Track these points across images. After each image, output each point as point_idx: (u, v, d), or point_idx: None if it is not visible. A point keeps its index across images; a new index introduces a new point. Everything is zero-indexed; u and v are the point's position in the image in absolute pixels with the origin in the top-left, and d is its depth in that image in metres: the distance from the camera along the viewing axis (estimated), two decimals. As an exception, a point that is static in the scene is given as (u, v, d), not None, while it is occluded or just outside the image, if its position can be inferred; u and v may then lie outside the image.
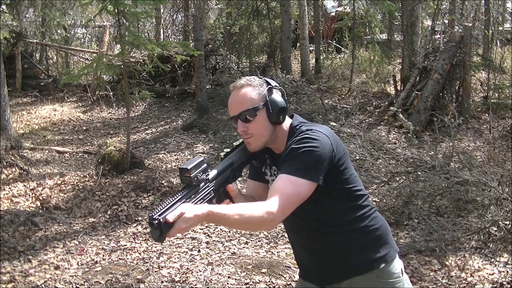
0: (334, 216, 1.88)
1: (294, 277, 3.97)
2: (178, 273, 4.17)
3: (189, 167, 1.67)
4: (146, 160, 7.14)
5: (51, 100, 11.14)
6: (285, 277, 4.00)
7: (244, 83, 1.90)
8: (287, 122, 1.92)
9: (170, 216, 1.52)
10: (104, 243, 4.79)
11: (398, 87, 8.88)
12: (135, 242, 4.79)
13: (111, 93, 10.40)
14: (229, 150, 1.95)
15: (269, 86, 1.89)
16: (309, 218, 1.90)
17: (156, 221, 1.48)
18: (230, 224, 1.68)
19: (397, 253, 1.94)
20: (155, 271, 4.20)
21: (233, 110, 1.88)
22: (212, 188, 1.79)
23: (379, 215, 1.98)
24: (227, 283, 3.97)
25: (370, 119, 8.32)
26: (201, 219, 1.57)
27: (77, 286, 3.99)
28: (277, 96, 1.89)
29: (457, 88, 8.05)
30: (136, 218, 5.29)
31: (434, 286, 3.76)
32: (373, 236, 1.90)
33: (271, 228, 1.85)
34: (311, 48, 11.78)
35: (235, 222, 1.64)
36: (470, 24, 8.49)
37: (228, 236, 4.83)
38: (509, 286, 3.66)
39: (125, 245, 4.73)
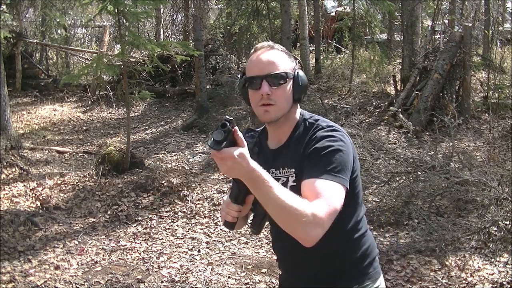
0: (337, 224, 1.61)
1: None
2: (178, 273, 4.17)
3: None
4: (146, 160, 7.14)
5: (51, 100, 11.14)
6: (285, 277, 4.00)
7: (275, 46, 1.72)
8: (298, 109, 1.75)
9: (239, 137, 1.39)
10: (104, 243, 4.79)
11: (398, 87, 8.88)
12: (135, 242, 4.79)
13: (111, 93, 10.40)
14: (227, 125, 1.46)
15: (296, 59, 1.78)
16: None
17: (230, 124, 1.34)
18: (266, 199, 1.42)
19: (381, 275, 1.81)
20: (155, 271, 4.20)
21: (261, 69, 1.65)
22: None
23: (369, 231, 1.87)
24: (227, 283, 3.97)
25: (370, 119, 8.32)
26: (248, 170, 1.40)
27: (77, 286, 3.99)
28: (302, 72, 1.73)
29: (457, 88, 8.05)
30: (136, 218, 5.29)
31: (434, 286, 3.76)
32: (366, 250, 1.77)
33: (312, 237, 1.44)
34: (311, 48, 11.79)
35: (274, 200, 1.40)
36: (470, 24, 8.49)
37: (228, 236, 4.83)
38: (509, 286, 3.66)
39: (125, 245, 4.73)
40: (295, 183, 1.65)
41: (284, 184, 1.66)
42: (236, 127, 1.39)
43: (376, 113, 8.48)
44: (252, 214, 1.74)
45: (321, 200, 1.46)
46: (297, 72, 1.70)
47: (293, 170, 1.67)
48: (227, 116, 1.36)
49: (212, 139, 1.34)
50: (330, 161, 1.55)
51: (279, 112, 1.67)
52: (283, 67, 1.67)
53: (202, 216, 5.33)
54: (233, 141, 1.40)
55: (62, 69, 13.21)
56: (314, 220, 1.41)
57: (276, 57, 1.68)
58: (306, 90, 1.74)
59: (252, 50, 1.74)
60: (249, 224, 1.78)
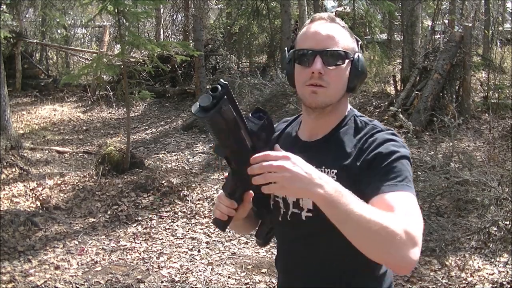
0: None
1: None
2: (178, 273, 4.17)
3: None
4: (146, 160, 7.14)
5: (51, 100, 11.14)
6: (285, 277, 4.00)
7: (336, 19, 1.44)
8: (348, 101, 1.50)
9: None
10: (104, 243, 4.79)
11: (398, 87, 8.88)
12: (135, 242, 4.79)
13: (111, 93, 10.40)
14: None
15: (359, 42, 1.45)
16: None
17: (223, 89, 1.07)
18: (344, 219, 1.13)
19: None
20: (155, 271, 4.20)
21: (317, 42, 1.37)
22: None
23: None
24: (227, 283, 3.97)
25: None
26: (320, 195, 1.12)
27: (77, 286, 3.99)
28: (363, 57, 1.44)
29: (457, 88, 8.05)
30: (136, 218, 5.29)
31: (434, 286, 3.76)
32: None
33: (409, 261, 1.14)
34: (311, 48, 11.77)
35: (356, 220, 1.11)
36: (470, 24, 8.49)
37: (228, 236, 4.83)
38: (509, 286, 3.66)
39: (125, 245, 4.73)
40: None
41: None
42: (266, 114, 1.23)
43: (376, 113, 8.48)
44: (259, 221, 1.55)
45: (408, 215, 1.18)
46: (358, 56, 1.41)
47: (335, 171, 1.35)
48: (221, 80, 1.09)
49: (197, 104, 1.06)
50: (401, 170, 1.28)
51: (329, 98, 1.38)
52: (344, 45, 1.39)
53: (202, 216, 5.33)
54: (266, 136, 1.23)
55: (62, 69, 13.22)
56: (409, 239, 1.12)
57: (336, 32, 1.40)
58: (363, 78, 1.44)
59: (308, 21, 1.46)
60: (255, 233, 1.58)
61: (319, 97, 1.37)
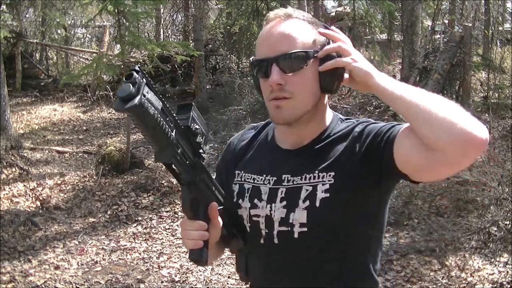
0: (354, 253, 1.24)
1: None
2: (178, 273, 4.17)
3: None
4: (146, 160, 7.14)
5: (51, 100, 11.14)
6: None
7: (294, 13, 1.20)
8: (327, 102, 1.27)
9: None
10: (104, 243, 4.79)
11: (398, 87, 8.87)
12: (135, 242, 4.79)
13: (111, 93, 10.40)
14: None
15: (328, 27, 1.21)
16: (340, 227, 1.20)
17: (139, 74, 0.93)
18: (396, 105, 1.07)
19: None
20: (155, 271, 4.20)
21: (270, 49, 1.15)
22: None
23: None
24: (227, 283, 3.97)
25: (370, 119, 8.33)
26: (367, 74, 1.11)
27: (77, 286, 3.99)
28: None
29: (457, 88, 8.05)
30: (136, 218, 5.29)
31: (434, 286, 3.76)
32: None
33: (484, 137, 0.99)
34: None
35: (407, 106, 1.05)
36: (470, 24, 8.49)
37: (228, 236, 4.83)
38: (509, 286, 3.66)
39: (125, 245, 4.73)
40: (328, 194, 1.16)
41: (309, 197, 1.17)
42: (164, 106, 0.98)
43: (376, 113, 8.47)
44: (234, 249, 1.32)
45: None
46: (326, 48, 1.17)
47: (332, 173, 1.17)
48: (137, 67, 0.94)
49: (117, 99, 0.92)
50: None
51: (297, 110, 1.17)
52: (303, 43, 1.15)
53: (202, 216, 5.33)
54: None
55: (62, 69, 13.22)
56: (481, 129, 1.00)
57: (292, 29, 1.16)
58: (341, 74, 1.17)
59: (264, 22, 1.24)
60: (235, 268, 1.36)
61: (284, 111, 1.17)
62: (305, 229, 1.18)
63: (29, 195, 5.89)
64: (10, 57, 11.20)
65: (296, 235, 1.19)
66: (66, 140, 8.74)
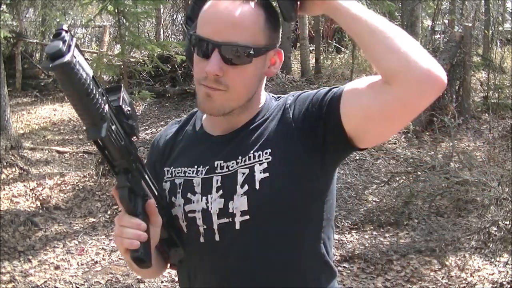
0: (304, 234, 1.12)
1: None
2: (178, 273, 4.17)
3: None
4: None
5: (51, 100, 11.14)
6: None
7: None
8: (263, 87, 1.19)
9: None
10: (104, 243, 4.79)
11: (398, 87, 8.88)
12: (135, 242, 4.79)
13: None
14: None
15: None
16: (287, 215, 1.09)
17: (67, 33, 0.82)
18: (358, 28, 0.97)
19: None
20: (155, 271, 4.20)
21: (216, 30, 1.03)
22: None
23: None
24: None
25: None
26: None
27: (77, 286, 3.99)
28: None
29: (457, 88, 8.05)
30: (136, 218, 5.29)
31: (434, 286, 3.76)
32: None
33: (441, 76, 0.94)
34: (311, 48, 11.78)
35: (371, 31, 0.95)
36: (470, 24, 8.49)
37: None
38: (509, 286, 3.66)
39: (125, 245, 4.73)
40: (268, 174, 1.05)
41: (247, 181, 1.06)
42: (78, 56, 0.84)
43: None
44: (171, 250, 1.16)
45: None
46: (277, 43, 1.11)
47: (269, 150, 1.07)
48: (65, 26, 0.84)
49: (46, 58, 0.80)
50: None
51: (230, 104, 1.07)
52: (253, 37, 1.03)
53: (202, 216, 5.33)
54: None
55: (62, 69, 13.21)
56: (433, 66, 0.94)
57: (247, 17, 1.03)
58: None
59: None
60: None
61: (214, 102, 1.06)
62: (247, 217, 1.06)
63: (29, 195, 5.89)
64: (10, 57, 11.19)
65: (237, 226, 1.07)
66: (66, 140, 8.74)
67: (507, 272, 3.80)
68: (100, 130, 0.88)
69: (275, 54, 1.11)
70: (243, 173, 1.07)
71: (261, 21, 1.05)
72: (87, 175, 6.38)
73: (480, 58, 8.86)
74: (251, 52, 1.03)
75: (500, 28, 10.90)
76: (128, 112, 0.98)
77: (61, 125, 9.70)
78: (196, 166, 1.14)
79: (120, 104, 0.97)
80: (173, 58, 9.39)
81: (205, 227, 1.10)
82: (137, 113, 1.04)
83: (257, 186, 1.05)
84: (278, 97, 1.19)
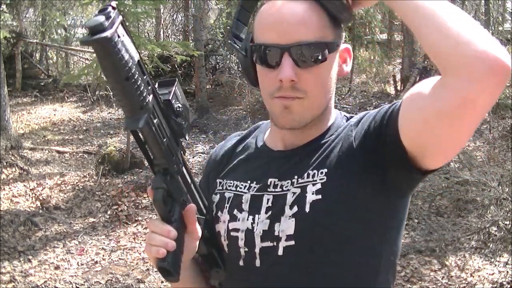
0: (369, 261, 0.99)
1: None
2: (178, 273, 4.17)
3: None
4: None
5: (51, 100, 11.14)
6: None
7: None
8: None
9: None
10: (104, 243, 4.79)
11: (398, 87, 8.89)
12: (135, 242, 4.79)
13: (111, 93, 10.40)
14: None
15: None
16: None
17: (114, 10, 0.75)
18: (412, 13, 0.83)
19: None
20: (155, 271, 4.20)
21: (282, 34, 0.93)
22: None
23: None
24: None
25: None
26: None
27: (77, 286, 4.00)
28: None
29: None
30: (136, 218, 5.29)
31: (434, 286, 3.76)
32: None
33: (494, 69, 0.75)
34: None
35: (423, 13, 0.81)
36: (470, 24, 8.48)
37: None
38: (509, 286, 3.66)
39: (125, 245, 4.73)
40: (320, 196, 0.94)
41: (297, 202, 0.95)
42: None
43: (376, 113, 8.48)
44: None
45: None
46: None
47: (324, 170, 0.96)
48: (113, 2, 0.76)
49: (86, 28, 0.73)
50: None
51: (309, 112, 0.97)
52: (322, 33, 0.94)
53: (202, 216, 5.33)
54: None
55: (62, 69, 13.23)
56: (496, 51, 0.76)
57: (309, 11, 0.93)
58: None
59: None
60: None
61: (293, 113, 0.96)
62: (292, 242, 0.94)
63: (29, 195, 5.89)
64: (10, 57, 11.20)
65: (280, 252, 0.95)
66: (66, 140, 8.74)
67: (507, 272, 3.80)
68: (138, 121, 0.79)
69: (344, 51, 1.03)
70: (294, 193, 0.96)
71: (325, 15, 0.94)
72: (87, 175, 6.38)
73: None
74: (325, 49, 0.94)
75: (500, 28, 10.91)
76: (178, 109, 0.89)
77: (61, 125, 9.70)
78: (249, 182, 1.04)
79: (170, 98, 0.88)
80: (173, 58, 9.39)
81: (246, 249, 1.00)
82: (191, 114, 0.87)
83: (307, 209, 0.93)
84: (351, 118, 1.07)
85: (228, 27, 12.46)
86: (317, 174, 0.96)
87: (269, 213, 0.98)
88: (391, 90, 9.34)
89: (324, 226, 0.93)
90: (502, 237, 4.15)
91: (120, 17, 0.75)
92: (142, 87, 0.77)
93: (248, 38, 1.00)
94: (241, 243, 1.00)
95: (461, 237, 4.24)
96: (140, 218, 5.29)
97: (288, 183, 0.98)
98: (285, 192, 0.97)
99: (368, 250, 0.96)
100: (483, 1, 10.64)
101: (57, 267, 4.30)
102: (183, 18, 12.74)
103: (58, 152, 7.76)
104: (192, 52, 6.97)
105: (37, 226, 5.05)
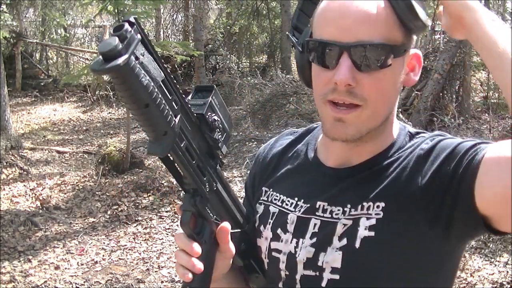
0: None
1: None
2: (178, 273, 4.17)
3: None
4: (146, 160, 7.14)
5: (51, 100, 11.15)
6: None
7: None
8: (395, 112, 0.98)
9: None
10: (104, 243, 4.79)
11: (398, 87, 8.89)
12: (135, 242, 4.79)
13: (111, 93, 10.41)
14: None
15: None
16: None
17: (133, 26, 0.68)
18: (496, 56, 0.75)
19: None
20: (155, 271, 4.20)
21: (343, 30, 0.84)
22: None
23: None
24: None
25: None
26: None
27: (77, 286, 4.00)
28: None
29: (457, 88, 8.06)
30: (136, 218, 5.29)
31: (434, 286, 3.76)
32: None
33: None
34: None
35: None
36: (470, 24, 8.48)
37: (228, 236, 4.84)
38: (509, 286, 3.66)
39: (125, 245, 4.73)
40: (373, 233, 0.86)
41: (347, 234, 0.88)
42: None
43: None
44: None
45: None
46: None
47: (382, 205, 0.87)
48: (132, 17, 0.69)
49: (99, 56, 0.66)
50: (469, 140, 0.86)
51: (367, 124, 0.87)
52: (389, 35, 0.84)
53: (202, 216, 5.33)
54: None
55: (62, 69, 13.23)
56: None
57: (377, 8, 0.83)
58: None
59: None
60: None
61: (348, 126, 0.86)
62: (337, 276, 0.88)
63: (29, 195, 5.89)
64: (10, 57, 11.21)
65: (324, 283, 0.90)
66: (66, 140, 8.74)
67: (507, 272, 3.80)
68: (160, 148, 0.73)
69: (412, 57, 0.91)
70: (345, 224, 0.88)
71: (393, 15, 0.84)
72: (87, 175, 6.39)
73: (480, 58, 8.85)
74: (390, 52, 0.83)
75: (500, 28, 10.91)
76: (214, 123, 0.83)
77: (61, 125, 9.70)
78: (296, 199, 0.97)
79: (204, 112, 0.81)
80: (173, 58, 9.39)
81: (287, 273, 0.95)
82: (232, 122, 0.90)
83: (357, 245, 0.87)
84: (417, 134, 0.95)
85: (228, 27, 12.47)
86: (373, 207, 0.87)
87: (314, 239, 0.92)
88: (391, 90, 9.34)
89: (373, 266, 0.87)
90: (502, 237, 4.15)
91: (139, 36, 0.67)
92: (166, 111, 0.71)
93: (307, 32, 0.91)
94: (282, 265, 0.95)
95: (461, 237, 4.25)
96: (140, 218, 5.29)
97: (339, 210, 0.91)
98: (335, 221, 0.90)
99: None
100: (483, 1, 10.63)
101: (57, 267, 4.30)
102: (183, 18, 12.75)
103: (58, 152, 7.76)
104: (192, 52, 6.97)
105: (37, 226, 5.05)
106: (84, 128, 9.57)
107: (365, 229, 0.86)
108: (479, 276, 3.83)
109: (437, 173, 0.83)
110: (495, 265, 3.94)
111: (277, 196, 1.00)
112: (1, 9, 10.80)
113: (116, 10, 6.08)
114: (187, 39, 11.78)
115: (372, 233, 0.86)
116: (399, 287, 0.88)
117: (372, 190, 0.88)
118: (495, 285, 3.69)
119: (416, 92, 8.04)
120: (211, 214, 0.87)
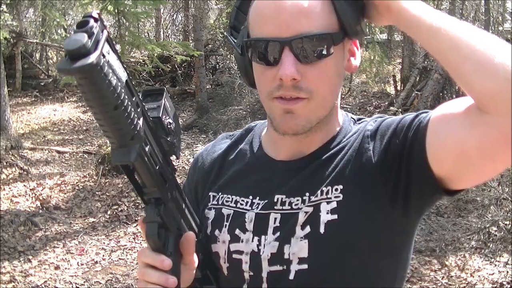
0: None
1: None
2: (178, 273, 4.17)
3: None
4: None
5: (51, 100, 11.15)
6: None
7: None
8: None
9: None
10: (104, 243, 4.79)
11: (398, 87, 8.89)
12: (135, 242, 4.79)
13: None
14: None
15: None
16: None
17: (97, 22, 0.61)
18: (438, 42, 0.76)
19: None
20: (155, 271, 4.21)
21: (281, 26, 0.82)
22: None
23: None
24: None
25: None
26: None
27: (77, 286, 4.00)
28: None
29: (457, 88, 8.05)
30: (136, 218, 5.29)
31: (434, 286, 3.76)
32: None
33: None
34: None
35: (455, 44, 0.74)
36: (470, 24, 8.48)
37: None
38: (509, 286, 3.67)
39: (125, 245, 4.74)
40: (336, 216, 0.86)
41: (310, 221, 0.87)
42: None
43: (376, 113, 8.48)
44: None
45: None
46: (358, 29, 0.86)
47: (340, 187, 0.88)
48: (95, 12, 0.62)
49: (64, 52, 0.59)
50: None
51: (316, 114, 0.88)
52: (327, 24, 0.83)
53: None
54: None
55: (62, 69, 13.22)
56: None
57: (314, 1, 0.83)
58: (362, 7, 0.85)
59: None
60: None
61: (297, 118, 0.86)
62: (305, 266, 0.86)
63: (29, 195, 5.89)
64: (10, 57, 11.21)
65: (291, 276, 0.87)
66: (66, 140, 8.74)
67: (507, 272, 3.80)
68: (129, 154, 0.67)
69: (351, 42, 0.91)
70: (306, 212, 0.87)
71: (329, 2, 0.83)
72: (87, 175, 6.39)
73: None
74: (330, 40, 0.83)
75: (500, 28, 10.91)
76: (169, 126, 0.78)
77: (61, 125, 9.70)
78: (251, 197, 0.94)
79: (160, 115, 0.77)
80: (173, 58, 9.39)
81: (251, 273, 0.91)
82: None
83: (322, 230, 0.85)
84: (359, 120, 0.97)
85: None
86: (332, 191, 0.87)
87: (277, 234, 0.89)
88: (391, 90, 9.35)
89: (340, 249, 0.86)
90: (502, 237, 4.15)
91: (105, 32, 0.62)
92: (132, 113, 0.66)
93: (244, 33, 0.89)
94: (245, 266, 0.91)
95: (461, 237, 4.25)
96: (140, 218, 5.30)
97: (298, 200, 0.89)
98: (295, 211, 0.88)
99: (386, 272, 0.91)
100: (483, 1, 10.63)
101: (57, 267, 4.30)
102: (183, 18, 12.74)
103: (58, 152, 7.76)
104: (192, 52, 6.97)
105: (37, 226, 5.05)
106: (84, 128, 9.57)
107: (327, 213, 0.86)
108: (479, 276, 3.83)
109: (388, 148, 0.86)
110: (495, 265, 3.94)
111: (228, 197, 0.97)
112: (1, 9, 10.80)
113: (116, 10, 6.08)
114: (187, 39, 11.78)
115: (335, 216, 0.85)
116: (366, 266, 0.87)
117: (328, 175, 0.89)
118: (495, 285, 3.69)
119: (416, 92, 8.05)
120: (173, 224, 0.82)
